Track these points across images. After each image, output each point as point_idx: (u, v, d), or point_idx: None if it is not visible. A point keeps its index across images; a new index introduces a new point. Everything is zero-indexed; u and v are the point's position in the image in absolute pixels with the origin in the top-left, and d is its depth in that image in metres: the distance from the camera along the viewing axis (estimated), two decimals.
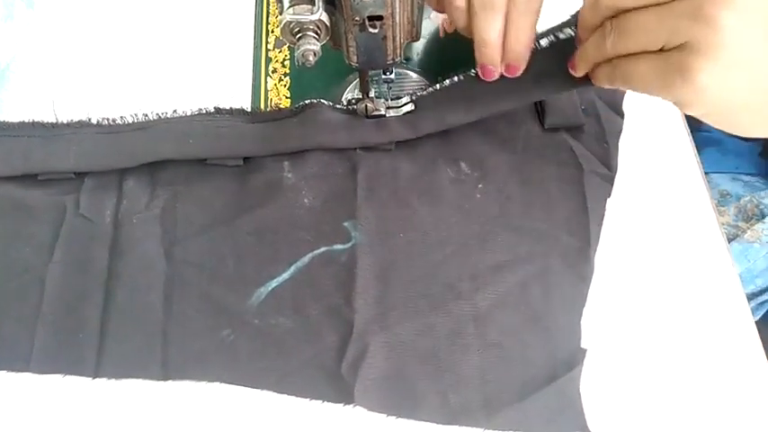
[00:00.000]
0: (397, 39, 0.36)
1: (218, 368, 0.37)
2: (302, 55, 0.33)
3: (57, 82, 0.47)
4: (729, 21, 0.27)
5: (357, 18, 0.33)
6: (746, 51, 0.28)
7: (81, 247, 0.40)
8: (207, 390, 0.36)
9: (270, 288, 0.39)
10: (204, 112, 0.43)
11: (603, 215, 0.39)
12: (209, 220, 0.41)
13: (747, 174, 0.51)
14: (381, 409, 0.35)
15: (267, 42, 0.47)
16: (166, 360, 0.37)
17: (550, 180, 0.40)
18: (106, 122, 0.43)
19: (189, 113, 0.43)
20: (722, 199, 0.51)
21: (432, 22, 0.47)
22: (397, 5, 0.33)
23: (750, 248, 0.50)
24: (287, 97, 0.46)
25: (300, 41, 0.33)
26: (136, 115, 0.43)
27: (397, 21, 0.34)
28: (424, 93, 0.42)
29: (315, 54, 0.33)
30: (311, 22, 0.32)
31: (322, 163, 0.42)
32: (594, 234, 0.39)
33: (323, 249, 0.40)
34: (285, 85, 0.46)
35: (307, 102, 0.42)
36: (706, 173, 0.42)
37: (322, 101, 0.42)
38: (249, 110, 0.44)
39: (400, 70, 0.46)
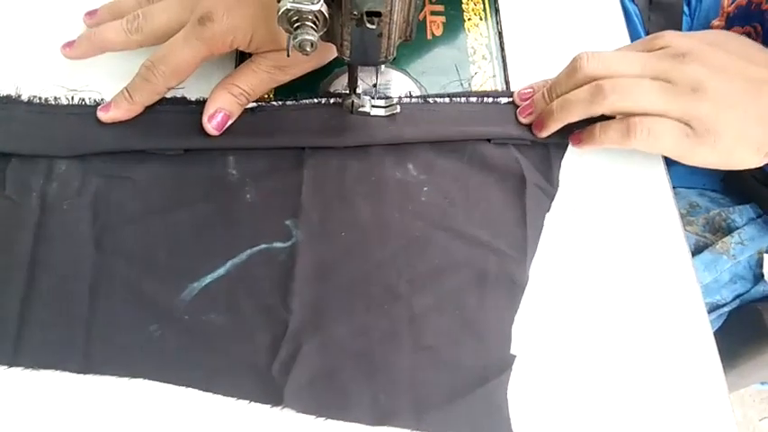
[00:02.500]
0: (393, 37, 0.35)
1: (142, 364, 0.36)
2: (299, 45, 0.32)
3: None
4: (716, 88, 0.37)
5: (355, 12, 0.32)
6: (732, 112, 0.37)
7: (3, 228, 0.39)
8: (128, 385, 0.35)
9: (203, 284, 0.38)
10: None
11: (542, 228, 0.40)
12: (143, 210, 0.40)
13: (714, 191, 0.53)
14: (311, 411, 0.35)
15: None
16: (88, 352, 0.36)
17: (494, 189, 0.41)
18: (38, 101, 0.42)
19: None
20: (692, 209, 0.53)
21: (420, 22, 0.48)
22: (397, 3, 0.33)
23: (719, 259, 0.52)
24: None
25: (298, 31, 0.32)
26: (72, 98, 0.42)
27: (395, 18, 0.34)
28: (413, 99, 0.43)
29: (312, 45, 0.32)
30: (311, 11, 0.31)
31: (269, 160, 0.41)
32: (531, 245, 0.40)
33: (262, 247, 0.39)
34: None
35: (264, 104, 0.43)
36: (675, 187, 0.43)
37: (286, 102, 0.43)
38: (193, 99, 0.43)
39: (385, 68, 0.46)
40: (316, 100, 0.43)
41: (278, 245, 0.39)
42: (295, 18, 0.32)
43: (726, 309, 0.51)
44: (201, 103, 0.42)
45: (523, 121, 0.42)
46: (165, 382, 0.35)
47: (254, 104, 0.43)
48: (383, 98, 0.43)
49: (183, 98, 0.43)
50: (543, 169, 0.42)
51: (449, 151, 0.42)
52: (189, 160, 0.41)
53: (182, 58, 0.38)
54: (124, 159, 0.41)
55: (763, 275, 0.49)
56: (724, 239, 0.50)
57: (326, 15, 0.32)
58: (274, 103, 0.43)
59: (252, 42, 0.39)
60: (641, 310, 0.39)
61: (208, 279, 0.38)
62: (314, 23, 0.32)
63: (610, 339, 0.38)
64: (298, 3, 0.31)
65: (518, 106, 0.43)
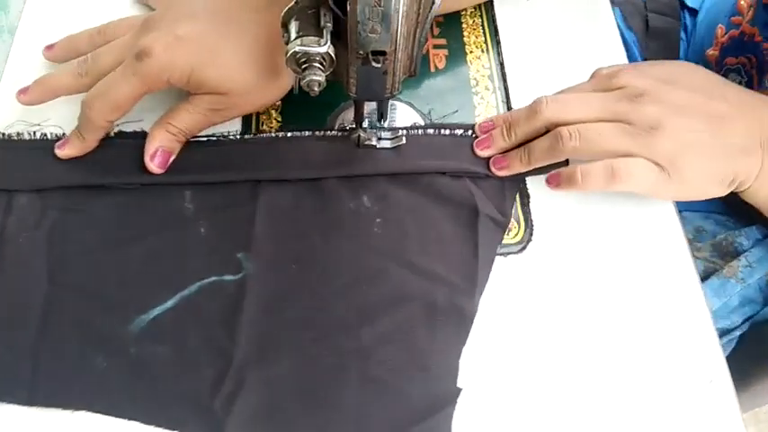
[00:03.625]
0: (398, 74, 0.36)
1: (87, 396, 0.36)
2: (307, 85, 0.33)
3: None
4: (675, 125, 0.38)
5: (361, 52, 0.34)
6: (693, 148, 0.38)
7: None
8: (72, 418, 0.36)
9: (151, 316, 0.38)
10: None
11: (493, 260, 0.41)
12: (97, 243, 0.40)
13: (719, 213, 0.54)
14: None
15: None
16: (35, 383, 0.36)
17: (446, 221, 0.41)
18: (1, 137, 0.43)
19: None
20: (698, 234, 0.53)
21: (423, 56, 0.49)
22: (401, 42, 0.34)
23: (727, 284, 0.52)
24: (278, 121, 0.46)
25: (306, 72, 0.33)
26: (33, 133, 0.44)
27: (399, 56, 0.35)
28: (418, 132, 0.44)
29: (320, 84, 0.33)
30: (318, 54, 0.32)
31: (224, 193, 0.42)
32: (482, 278, 0.40)
33: (212, 279, 0.39)
34: (277, 109, 0.46)
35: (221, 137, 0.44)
36: (679, 211, 0.44)
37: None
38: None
39: (391, 101, 0.47)
40: (307, 133, 0.44)
41: (228, 278, 0.39)
42: (303, 60, 0.33)
43: (737, 332, 0.51)
44: None
45: (479, 153, 0.43)
46: (108, 414, 0.36)
47: (206, 137, 0.44)
48: (389, 130, 0.44)
49: (143, 132, 0.43)
50: (497, 201, 0.42)
51: (403, 183, 0.42)
52: (146, 194, 0.42)
53: (118, 93, 0.39)
54: (82, 193, 0.42)
55: None
56: (731, 263, 0.50)
57: (333, 57, 0.33)
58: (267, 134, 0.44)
59: (190, 82, 0.39)
60: (652, 336, 0.39)
61: (156, 311, 0.38)
62: (321, 64, 0.33)
63: (622, 366, 0.38)
64: (306, 45, 0.32)
65: (475, 138, 0.44)
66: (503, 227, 0.42)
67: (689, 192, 0.40)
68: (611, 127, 0.39)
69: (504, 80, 0.48)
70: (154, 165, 0.41)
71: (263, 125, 0.45)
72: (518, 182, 0.43)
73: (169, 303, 0.38)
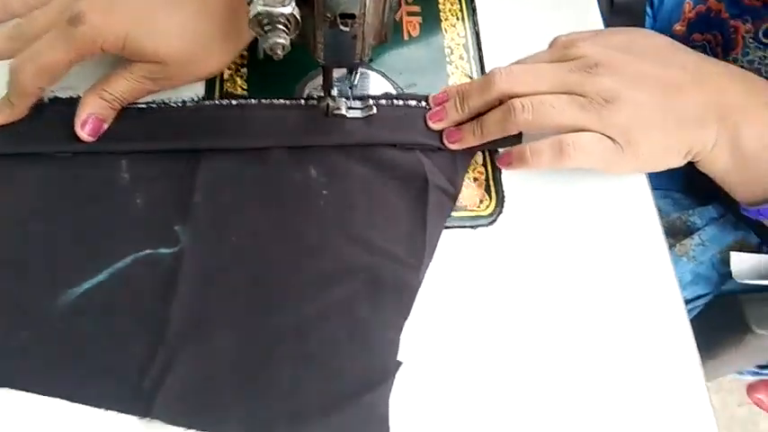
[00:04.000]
0: (367, 39, 0.35)
1: (9, 372, 0.35)
2: (270, 48, 0.32)
3: None
4: (631, 97, 0.37)
5: (329, 15, 0.32)
6: (649, 120, 0.38)
7: None
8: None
9: (81, 290, 0.36)
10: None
11: (441, 232, 0.40)
12: (25, 214, 0.39)
13: (678, 192, 0.54)
14: (181, 423, 0.34)
15: None
16: None
17: (395, 193, 0.40)
18: None
19: None
20: None
21: (397, 23, 0.47)
22: (370, 5, 0.33)
23: (679, 261, 0.53)
24: (243, 89, 0.44)
25: (269, 34, 0.31)
26: None
27: (369, 21, 0.34)
28: (387, 102, 0.42)
29: (283, 48, 0.32)
30: (282, 14, 0.31)
31: (163, 163, 0.40)
32: (429, 251, 0.39)
33: (147, 252, 0.38)
34: (242, 77, 0.44)
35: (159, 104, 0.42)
36: None
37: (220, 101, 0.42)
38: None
39: (362, 69, 0.45)
40: (265, 101, 0.42)
41: (163, 250, 0.38)
42: (266, 21, 0.31)
43: (688, 307, 0.51)
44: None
45: (432, 126, 0.42)
46: (32, 390, 0.34)
47: (145, 104, 0.42)
48: (359, 99, 0.42)
49: (79, 98, 0.41)
50: (447, 172, 0.41)
51: (352, 154, 0.41)
52: (79, 163, 0.40)
53: (49, 58, 0.37)
54: (12, 161, 0.40)
55: (730, 274, 0.49)
56: (683, 242, 0.51)
57: (298, 18, 0.31)
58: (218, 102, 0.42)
59: (125, 49, 0.37)
60: (620, 307, 0.39)
61: (86, 285, 0.37)
62: (285, 26, 0.31)
63: (589, 337, 0.38)
64: (268, 5, 0.30)
65: (428, 109, 0.42)
66: (453, 198, 0.41)
67: (644, 164, 0.40)
68: (565, 99, 0.38)
69: (480, 50, 0.47)
70: (84, 132, 0.39)
71: (227, 92, 0.44)
72: (471, 153, 0.42)
73: (101, 276, 0.37)
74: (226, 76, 0.44)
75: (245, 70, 0.44)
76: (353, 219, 0.39)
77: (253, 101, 0.42)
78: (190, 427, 0.34)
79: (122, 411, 0.34)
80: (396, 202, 0.40)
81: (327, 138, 0.41)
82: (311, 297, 0.37)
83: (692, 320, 0.40)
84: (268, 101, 0.42)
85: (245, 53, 0.45)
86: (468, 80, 0.45)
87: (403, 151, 0.41)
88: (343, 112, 0.41)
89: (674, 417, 0.37)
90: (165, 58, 0.38)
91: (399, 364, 0.36)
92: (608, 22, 0.49)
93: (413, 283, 0.38)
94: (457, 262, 0.40)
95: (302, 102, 0.43)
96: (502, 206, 0.42)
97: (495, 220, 0.41)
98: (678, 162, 0.40)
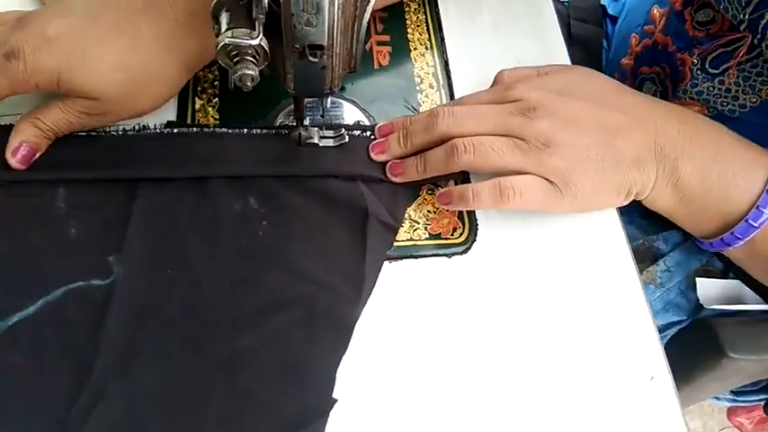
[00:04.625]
0: (336, 69, 0.35)
1: None
2: (239, 79, 0.32)
3: None
4: (567, 140, 0.39)
5: (297, 46, 0.32)
6: (585, 162, 0.39)
7: None
8: None
9: (10, 323, 0.35)
10: None
11: (381, 264, 0.40)
12: None
13: (641, 217, 0.54)
14: None
15: None
16: None
17: (335, 224, 0.40)
18: None
19: None
20: None
21: (367, 53, 0.48)
22: (338, 36, 0.33)
23: (647, 289, 0.53)
24: (215, 119, 0.44)
25: (238, 65, 0.32)
26: None
27: (337, 51, 0.34)
28: (358, 133, 0.43)
29: (253, 79, 0.32)
30: (250, 46, 0.31)
31: (100, 192, 0.40)
32: (369, 284, 0.39)
33: (79, 284, 0.37)
34: (214, 107, 0.44)
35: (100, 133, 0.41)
36: None
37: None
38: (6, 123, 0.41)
39: (334, 99, 0.46)
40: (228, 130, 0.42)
41: (96, 282, 0.37)
42: (234, 53, 0.31)
43: (662, 335, 0.51)
44: None
45: (374, 157, 0.42)
46: None
47: (88, 132, 0.41)
48: (331, 128, 0.42)
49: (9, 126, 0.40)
50: (389, 204, 0.41)
51: (292, 184, 0.41)
52: (15, 192, 0.39)
53: None
54: None
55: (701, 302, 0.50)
56: (649, 269, 0.51)
57: (267, 49, 0.32)
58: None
59: (59, 86, 0.37)
60: (594, 335, 0.40)
61: (15, 317, 0.36)
62: (254, 58, 0.32)
63: (564, 366, 0.38)
64: (236, 38, 0.30)
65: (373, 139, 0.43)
66: (393, 231, 0.41)
67: (583, 205, 0.40)
68: (505, 142, 0.39)
69: (449, 78, 0.47)
70: (15, 160, 0.38)
71: (198, 122, 0.43)
72: (412, 187, 0.42)
73: (31, 309, 0.36)
74: (198, 106, 0.44)
75: (216, 100, 0.44)
76: (292, 250, 0.38)
77: (226, 130, 0.42)
78: None
79: None
80: (335, 233, 0.40)
81: (265, 168, 0.41)
82: (246, 330, 0.36)
83: (668, 345, 0.40)
84: (228, 130, 0.42)
85: (217, 83, 0.45)
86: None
87: (344, 182, 0.41)
88: (316, 141, 0.41)
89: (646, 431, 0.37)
90: (99, 96, 0.37)
91: (335, 401, 0.35)
92: (569, 54, 0.50)
93: (350, 317, 0.37)
94: (432, 290, 0.40)
95: (271, 132, 0.42)
96: (476, 234, 0.42)
97: (469, 248, 0.41)
98: (619, 202, 0.41)
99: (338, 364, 0.36)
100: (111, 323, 0.35)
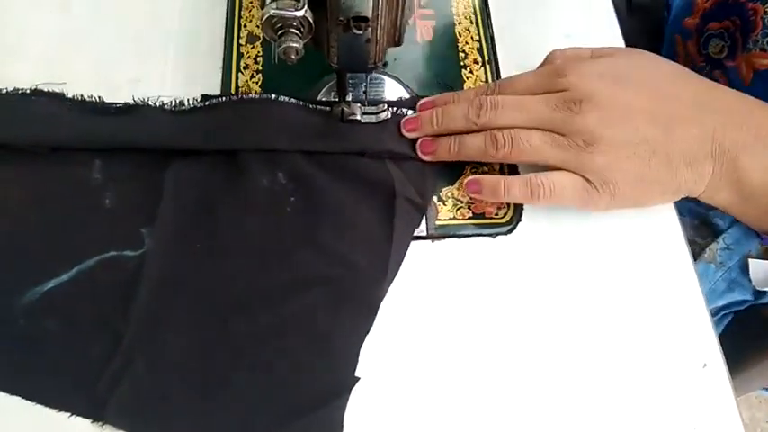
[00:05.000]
0: (381, 42, 0.35)
1: None
2: (284, 52, 0.31)
3: None
4: (612, 138, 0.36)
5: (341, 18, 0.32)
6: (630, 161, 0.36)
7: None
8: None
9: (45, 288, 0.36)
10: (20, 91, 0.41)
11: (408, 244, 0.39)
12: None
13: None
14: (132, 429, 0.34)
15: (239, 37, 0.45)
16: None
17: (362, 203, 0.39)
18: None
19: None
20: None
21: (410, 27, 0.47)
22: (383, 8, 0.32)
23: (708, 270, 0.51)
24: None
25: (282, 38, 0.31)
26: None
27: (382, 23, 0.33)
28: (400, 108, 0.42)
29: (297, 52, 0.31)
30: (295, 18, 0.30)
31: (134, 164, 0.40)
32: (394, 263, 0.38)
33: (111, 254, 0.37)
34: (257, 83, 0.44)
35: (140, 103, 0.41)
36: None
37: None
38: (70, 95, 0.41)
39: (375, 74, 0.45)
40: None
41: (128, 253, 0.38)
42: (279, 25, 0.31)
43: (725, 316, 0.50)
44: (79, 102, 0.41)
45: (405, 133, 0.41)
46: None
47: (123, 104, 0.41)
48: (374, 104, 0.42)
49: (61, 94, 0.41)
50: (417, 183, 0.40)
51: (321, 161, 0.40)
52: (54, 161, 0.40)
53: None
54: None
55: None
56: (710, 247, 0.49)
57: (311, 22, 0.31)
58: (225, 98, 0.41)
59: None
60: (645, 320, 0.38)
61: (50, 284, 0.37)
62: (299, 30, 0.31)
63: (614, 352, 0.37)
64: (281, 9, 0.30)
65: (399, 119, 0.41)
66: (421, 210, 0.40)
67: (623, 204, 0.38)
68: (545, 138, 0.37)
69: (494, 53, 0.46)
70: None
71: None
72: (453, 166, 0.41)
73: (65, 276, 0.37)
74: (241, 83, 0.44)
75: (259, 76, 0.44)
76: (319, 227, 0.38)
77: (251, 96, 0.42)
78: None
79: (77, 413, 0.34)
80: (362, 211, 0.39)
81: (298, 143, 0.40)
82: (271, 306, 0.36)
83: (722, 333, 0.38)
84: (275, 98, 0.41)
85: (260, 59, 0.44)
86: (483, 83, 0.45)
87: (372, 160, 0.40)
88: (358, 117, 0.40)
89: (699, 419, 0.36)
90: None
91: (357, 379, 0.35)
92: (627, 24, 0.48)
93: (376, 295, 0.37)
94: (476, 271, 0.39)
95: (312, 107, 0.42)
96: (520, 214, 0.41)
97: (513, 228, 0.40)
98: (665, 200, 0.39)
99: (362, 342, 0.36)
100: (142, 293, 0.36)
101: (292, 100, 0.41)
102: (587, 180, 0.37)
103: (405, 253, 0.39)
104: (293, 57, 0.31)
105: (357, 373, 0.35)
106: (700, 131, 0.37)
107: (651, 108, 0.37)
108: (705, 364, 0.37)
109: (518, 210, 0.41)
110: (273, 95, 0.41)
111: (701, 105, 0.38)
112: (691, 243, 0.50)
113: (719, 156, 0.37)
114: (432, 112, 0.40)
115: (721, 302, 0.49)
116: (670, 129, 0.37)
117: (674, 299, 0.39)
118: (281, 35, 0.31)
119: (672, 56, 0.57)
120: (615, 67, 0.39)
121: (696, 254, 0.49)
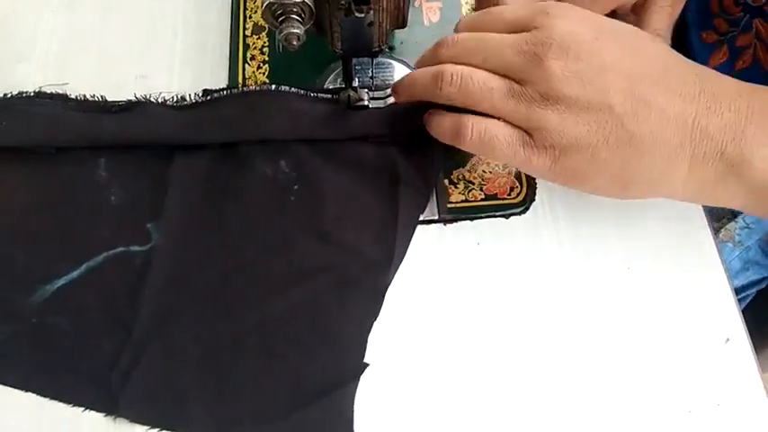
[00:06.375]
0: (384, 25, 0.34)
1: None
2: (285, 39, 0.31)
3: None
4: (576, 97, 0.31)
5: (343, 1, 0.31)
6: (589, 129, 0.31)
7: None
8: None
9: (56, 286, 0.37)
10: (24, 95, 0.41)
11: (413, 230, 0.39)
12: (5, 211, 0.39)
13: None
14: (146, 421, 0.34)
15: (245, 28, 0.45)
16: None
17: (366, 189, 0.39)
18: None
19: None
20: None
21: (416, 9, 0.46)
22: None
23: (725, 248, 0.50)
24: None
25: (283, 25, 0.31)
26: None
27: (384, 6, 0.33)
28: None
29: (298, 38, 0.31)
30: (294, 4, 0.30)
31: (138, 161, 0.40)
32: (400, 249, 0.38)
33: (119, 250, 0.38)
34: (264, 73, 0.44)
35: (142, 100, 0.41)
36: None
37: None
38: (73, 96, 0.42)
39: (382, 59, 0.44)
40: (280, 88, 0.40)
41: (135, 248, 0.38)
42: (279, 12, 0.31)
43: (742, 295, 0.48)
44: (82, 102, 0.41)
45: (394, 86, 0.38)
46: (5, 385, 0.35)
47: (125, 102, 0.41)
48: (381, 89, 0.41)
49: (64, 95, 0.41)
50: (421, 169, 0.39)
51: (323, 148, 0.40)
52: (59, 161, 0.40)
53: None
54: None
55: None
56: (727, 226, 0.48)
57: (312, 7, 0.31)
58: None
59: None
60: (667, 296, 0.37)
61: (61, 281, 0.37)
62: (299, 16, 0.31)
63: (637, 329, 0.37)
64: None
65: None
66: (425, 196, 0.39)
67: (563, 177, 0.33)
68: (498, 84, 0.32)
69: None
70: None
71: None
72: (445, 151, 0.39)
73: (74, 274, 0.38)
74: (248, 73, 0.44)
75: (266, 67, 0.44)
76: (323, 215, 0.38)
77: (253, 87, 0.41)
78: (153, 426, 0.34)
79: (90, 408, 0.35)
80: (366, 198, 0.39)
81: (298, 131, 0.39)
82: (278, 295, 0.36)
83: (745, 308, 0.37)
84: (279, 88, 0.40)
85: (266, 49, 0.44)
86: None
87: (375, 145, 0.40)
88: (366, 102, 0.40)
89: (727, 408, 0.35)
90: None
91: (366, 366, 0.35)
92: None
93: (382, 282, 0.37)
94: (492, 253, 0.39)
95: (318, 95, 0.41)
96: (534, 193, 0.40)
97: (527, 208, 0.40)
98: (620, 193, 0.33)
99: (369, 328, 0.36)
100: (150, 288, 0.37)
101: (293, 89, 0.41)
102: (529, 135, 0.32)
103: (410, 239, 0.39)
104: (294, 43, 0.31)
105: (366, 360, 0.35)
106: (679, 113, 0.30)
107: (631, 75, 0.31)
108: (728, 339, 0.36)
109: (531, 189, 0.40)
110: (274, 86, 0.40)
111: (688, 85, 0.31)
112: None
113: (701, 143, 0.30)
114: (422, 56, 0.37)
115: (737, 281, 0.48)
116: (645, 102, 0.30)
117: (697, 274, 0.38)
118: (282, 22, 0.31)
119: (705, 8, 0.55)
120: (605, 21, 0.34)
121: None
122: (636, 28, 0.35)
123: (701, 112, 0.30)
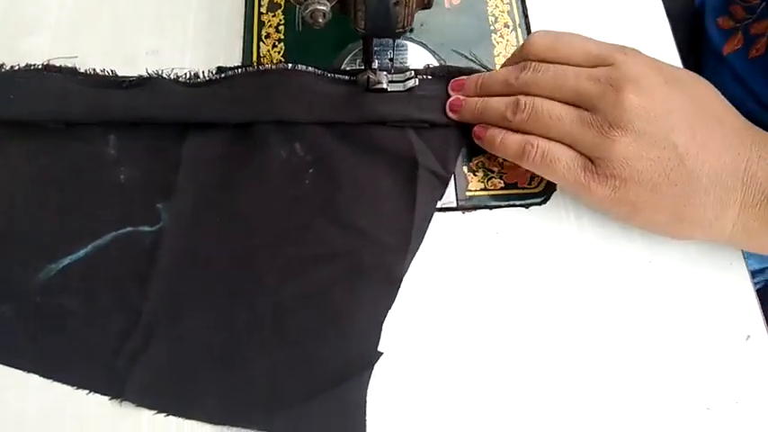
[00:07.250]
0: (411, 4, 0.33)
1: None
2: (311, 15, 0.30)
3: None
4: (643, 131, 0.32)
5: None
6: (653, 165, 0.32)
7: None
8: None
9: (61, 265, 0.36)
10: (32, 67, 0.40)
11: (431, 216, 0.38)
12: (12, 186, 0.38)
13: None
14: (153, 406, 0.34)
15: (260, 5, 0.44)
16: None
17: (383, 174, 0.38)
18: None
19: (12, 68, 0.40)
20: None
21: None
22: None
23: None
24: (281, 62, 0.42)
25: (308, 1, 0.30)
26: None
27: None
28: (428, 75, 0.40)
29: (324, 15, 0.30)
30: None
31: (149, 138, 0.39)
32: (416, 235, 0.37)
33: (128, 230, 0.37)
34: (279, 52, 0.43)
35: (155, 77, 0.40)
36: None
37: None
38: (82, 70, 0.40)
39: (401, 41, 0.43)
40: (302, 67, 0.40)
41: (144, 228, 0.37)
42: None
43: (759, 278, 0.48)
44: (91, 76, 0.40)
45: (449, 91, 0.39)
46: (5, 363, 0.34)
47: (136, 77, 0.40)
48: (401, 72, 0.40)
49: (74, 68, 0.40)
50: (440, 153, 0.39)
51: (339, 131, 0.39)
52: (69, 136, 0.39)
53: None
54: (5, 131, 0.39)
55: None
56: None
57: None
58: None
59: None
60: (687, 292, 0.37)
61: (66, 260, 0.36)
62: None
63: (656, 324, 0.36)
64: None
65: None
66: (444, 181, 0.38)
67: (623, 208, 0.34)
68: (570, 115, 0.34)
69: (526, 17, 0.44)
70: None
71: None
72: (464, 136, 0.39)
73: (81, 253, 0.37)
74: (263, 52, 0.43)
75: (281, 45, 0.43)
76: (338, 200, 0.37)
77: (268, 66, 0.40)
78: (160, 411, 0.33)
79: (95, 390, 0.34)
80: (383, 183, 0.38)
81: (316, 112, 0.39)
82: (292, 281, 0.36)
83: (759, 291, 0.37)
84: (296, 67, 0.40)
85: (282, 27, 0.43)
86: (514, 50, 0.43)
87: (394, 130, 0.39)
88: (384, 85, 0.39)
89: (746, 406, 0.34)
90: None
91: (380, 353, 0.34)
92: None
93: (398, 268, 0.36)
94: (510, 243, 0.38)
95: (336, 77, 0.40)
96: (554, 184, 0.39)
97: (548, 198, 0.39)
98: (670, 229, 0.35)
99: (384, 316, 0.35)
100: (159, 270, 0.36)
101: (310, 68, 0.40)
102: (591, 161, 0.33)
103: (427, 225, 0.38)
104: (320, 20, 0.30)
105: (380, 349, 0.34)
106: (733, 158, 0.32)
107: (692, 120, 0.33)
108: (749, 336, 0.36)
109: None
110: (290, 65, 0.39)
111: (741, 136, 0.34)
112: None
113: (751, 188, 0.32)
114: (479, 77, 0.39)
115: (753, 262, 0.47)
116: (704, 146, 0.32)
117: (718, 270, 0.37)
118: None
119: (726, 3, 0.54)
120: (673, 69, 0.36)
121: None
122: (697, 75, 0.36)
123: (752, 160, 0.33)
